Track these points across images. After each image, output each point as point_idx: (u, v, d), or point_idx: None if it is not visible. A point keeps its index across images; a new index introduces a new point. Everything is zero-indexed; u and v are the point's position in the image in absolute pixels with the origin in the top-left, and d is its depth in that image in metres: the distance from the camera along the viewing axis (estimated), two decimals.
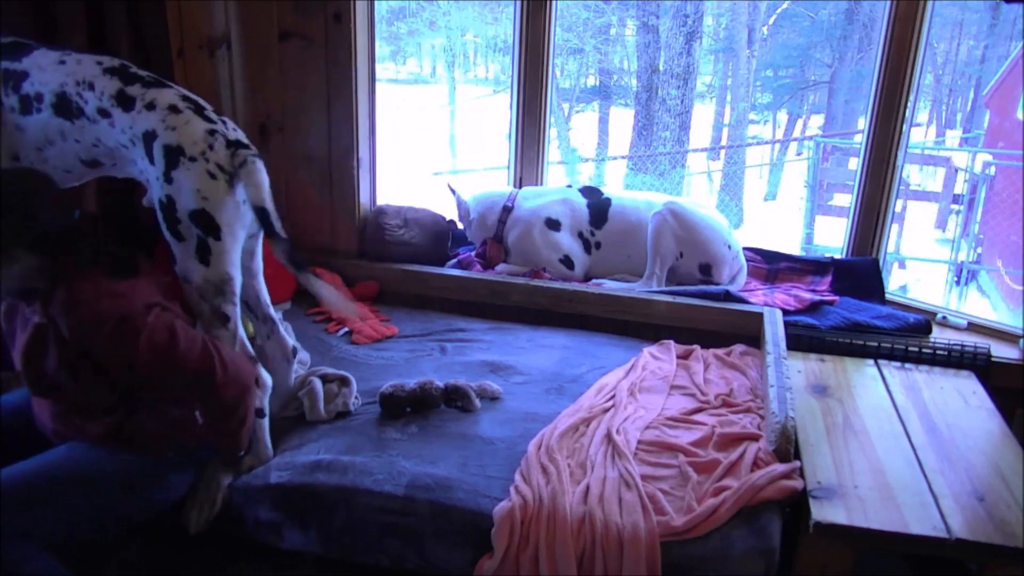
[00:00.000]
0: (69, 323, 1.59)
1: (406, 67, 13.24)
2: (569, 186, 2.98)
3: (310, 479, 1.78)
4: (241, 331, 1.86)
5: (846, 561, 1.68)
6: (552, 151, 4.62)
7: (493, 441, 1.94)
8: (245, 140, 1.83)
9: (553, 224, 2.83)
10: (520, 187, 2.99)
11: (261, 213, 1.75)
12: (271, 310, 2.08)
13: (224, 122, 1.83)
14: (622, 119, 9.66)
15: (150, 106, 1.74)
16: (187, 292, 1.83)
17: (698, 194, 9.46)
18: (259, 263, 2.02)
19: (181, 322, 1.68)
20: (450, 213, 3.05)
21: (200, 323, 1.83)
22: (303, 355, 2.36)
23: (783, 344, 2.26)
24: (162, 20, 2.49)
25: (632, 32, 9.29)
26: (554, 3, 2.78)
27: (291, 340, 2.13)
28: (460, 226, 3.05)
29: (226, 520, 1.80)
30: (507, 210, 2.87)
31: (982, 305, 6.65)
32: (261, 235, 1.97)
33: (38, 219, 1.58)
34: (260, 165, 1.78)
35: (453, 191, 3.00)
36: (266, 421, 1.89)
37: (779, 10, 9.90)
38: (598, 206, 2.86)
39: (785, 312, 2.54)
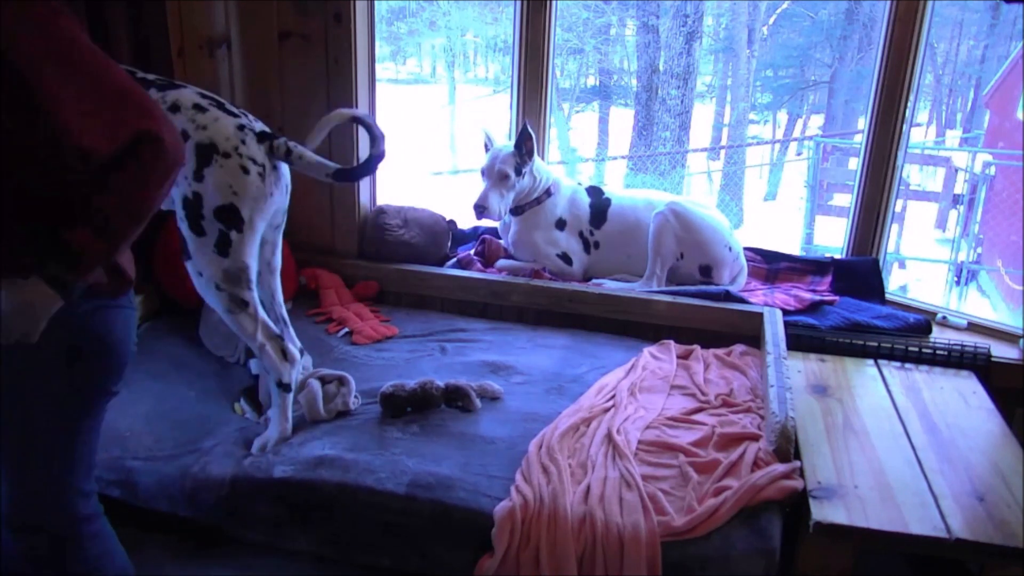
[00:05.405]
0: None
1: (406, 67, 13.26)
2: (580, 183, 2.96)
3: (313, 475, 1.78)
4: (261, 313, 1.92)
5: (846, 561, 1.69)
6: (552, 151, 4.62)
7: (494, 441, 1.94)
8: (269, 129, 1.92)
9: (559, 223, 2.82)
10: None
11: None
12: (284, 311, 2.11)
13: (246, 114, 1.89)
14: (622, 119, 9.67)
15: (174, 108, 1.78)
16: (198, 284, 1.86)
17: (698, 194, 9.47)
18: (279, 259, 2.06)
19: None
20: (449, 213, 3.04)
21: (219, 310, 1.89)
22: (306, 360, 2.35)
23: (783, 344, 2.26)
24: (162, 20, 2.49)
25: (632, 32, 9.30)
26: (554, 3, 2.78)
27: (298, 343, 2.15)
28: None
29: (223, 515, 1.79)
30: None
31: (982, 305, 6.65)
32: (282, 229, 2.03)
33: None
34: (294, 144, 1.92)
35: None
36: (290, 397, 1.95)
37: (779, 10, 9.91)
38: (598, 206, 2.85)
39: (785, 312, 2.54)
